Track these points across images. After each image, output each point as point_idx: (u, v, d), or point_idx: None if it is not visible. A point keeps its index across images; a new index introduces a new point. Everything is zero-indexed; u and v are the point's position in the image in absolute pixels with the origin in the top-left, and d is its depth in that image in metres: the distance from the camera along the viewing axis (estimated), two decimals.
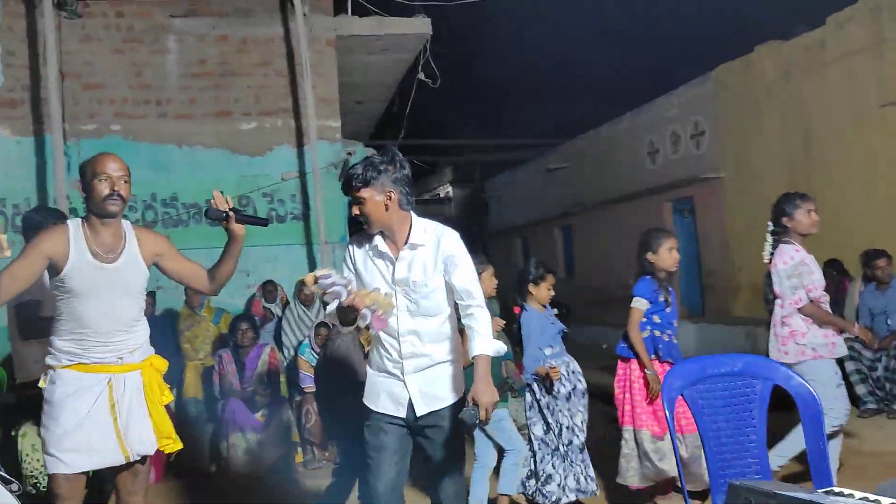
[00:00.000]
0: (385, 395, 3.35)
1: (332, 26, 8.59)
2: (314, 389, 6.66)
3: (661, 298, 4.83)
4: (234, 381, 6.56)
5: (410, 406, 3.30)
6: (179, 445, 3.59)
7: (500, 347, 3.37)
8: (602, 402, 7.84)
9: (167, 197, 8.06)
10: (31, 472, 4.53)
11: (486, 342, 3.24)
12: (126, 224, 3.51)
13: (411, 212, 3.34)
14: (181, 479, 6.22)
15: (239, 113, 8.33)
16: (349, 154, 8.53)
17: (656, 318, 4.82)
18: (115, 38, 8.10)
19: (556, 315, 5.41)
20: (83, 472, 3.39)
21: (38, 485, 4.51)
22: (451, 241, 3.32)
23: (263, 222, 3.65)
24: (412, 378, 3.30)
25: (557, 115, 20.67)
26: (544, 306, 5.11)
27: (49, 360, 3.39)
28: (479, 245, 23.89)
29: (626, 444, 4.80)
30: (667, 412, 2.67)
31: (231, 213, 3.39)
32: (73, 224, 3.41)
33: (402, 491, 3.39)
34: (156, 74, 8.17)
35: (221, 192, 3.46)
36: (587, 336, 15.28)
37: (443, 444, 3.29)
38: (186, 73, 8.24)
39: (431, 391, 3.31)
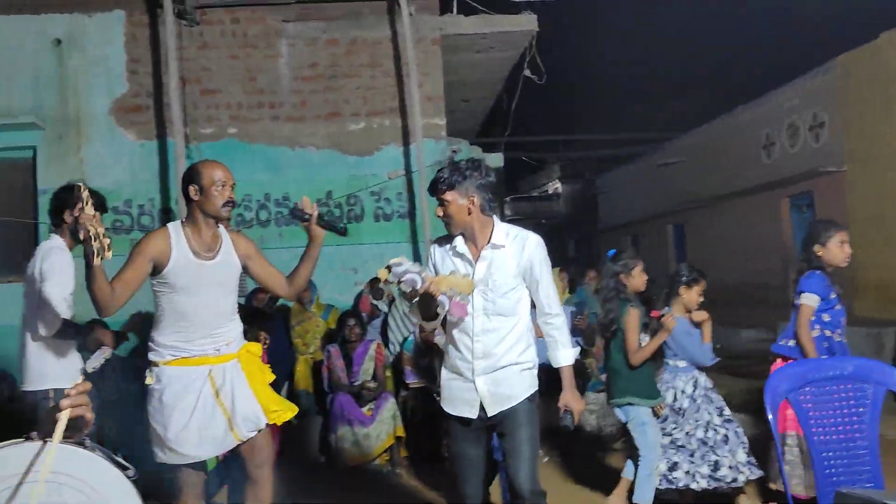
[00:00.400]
0: (459, 399, 3.48)
1: (437, 25, 8.67)
2: (419, 385, 6.79)
3: (833, 295, 4.52)
4: (341, 376, 6.72)
5: (482, 406, 3.42)
6: (290, 414, 3.79)
7: (577, 351, 3.52)
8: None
9: (280, 197, 8.31)
10: None
11: (568, 352, 3.46)
12: (220, 228, 3.75)
13: (494, 217, 3.48)
14: (291, 469, 6.42)
15: (348, 114, 8.51)
16: (454, 152, 8.59)
17: (826, 317, 4.51)
18: (230, 44, 8.43)
19: (663, 315, 5.23)
20: (200, 463, 3.63)
21: None
22: (534, 246, 3.43)
23: (342, 231, 3.79)
24: (481, 379, 3.41)
25: (670, 109, 20.21)
26: (689, 311, 4.97)
27: (152, 357, 3.59)
28: (588, 243, 23.63)
29: (789, 450, 4.46)
30: (769, 416, 2.59)
31: (312, 216, 3.59)
32: (174, 227, 3.64)
33: (486, 488, 3.61)
34: (269, 78, 8.44)
35: (318, 197, 3.61)
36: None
37: (516, 436, 3.37)
38: (298, 77, 8.48)
39: (500, 391, 3.40)
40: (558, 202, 25.80)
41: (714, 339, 14.97)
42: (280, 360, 6.54)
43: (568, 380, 3.45)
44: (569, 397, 3.42)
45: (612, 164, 21.41)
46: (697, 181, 15.93)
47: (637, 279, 4.90)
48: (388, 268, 3.22)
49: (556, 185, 26.17)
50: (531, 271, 3.40)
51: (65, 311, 4.20)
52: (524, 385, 3.41)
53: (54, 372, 4.27)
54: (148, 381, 3.59)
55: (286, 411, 3.80)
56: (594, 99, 20.47)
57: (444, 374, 3.54)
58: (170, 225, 3.69)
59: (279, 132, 8.39)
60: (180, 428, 3.51)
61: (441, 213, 3.40)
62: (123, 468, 1.63)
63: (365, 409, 6.54)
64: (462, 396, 3.45)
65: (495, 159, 9.24)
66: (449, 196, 3.34)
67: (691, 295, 4.88)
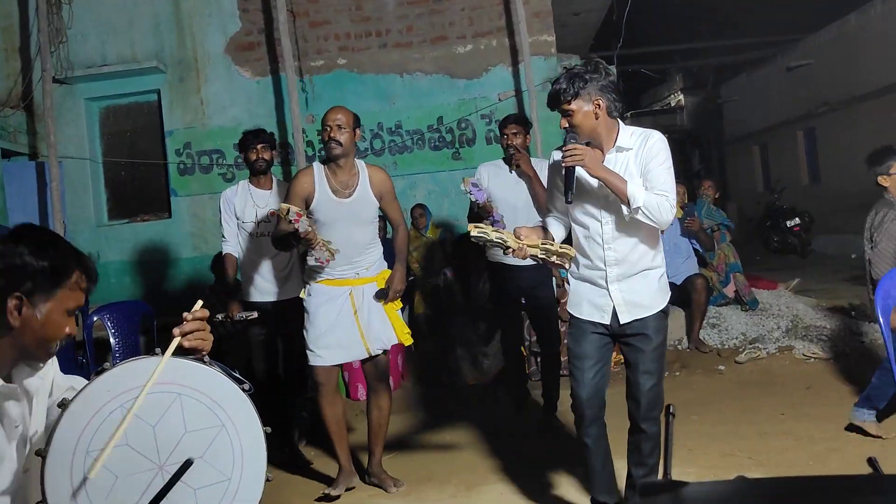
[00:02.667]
0: (588, 303, 3.40)
1: None
2: None
3: None
4: (460, 298, 6.85)
5: (614, 314, 3.34)
6: (410, 340, 4.49)
7: (646, 198, 3.17)
8: (855, 317, 7.36)
9: (392, 125, 8.40)
10: None
11: (640, 191, 3.16)
12: (360, 164, 4.31)
13: (619, 120, 3.32)
14: (415, 388, 6.66)
15: (454, 37, 8.44)
16: (565, 68, 8.38)
17: None
18: None
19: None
20: (336, 365, 4.36)
21: None
22: (656, 141, 3.26)
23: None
24: (616, 286, 3.33)
25: (798, 8, 18.93)
26: None
27: (306, 278, 4.40)
28: (715, 154, 22.77)
29: None
30: (881, 320, 2.48)
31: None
32: (317, 167, 4.27)
33: (604, 396, 3.45)
34: (374, 6, 8.45)
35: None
36: (835, 246, 14.23)
37: (645, 351, 3.32)
38: (402, 2, 8.45)
39: (635, 299, 3.33)
40: (682, 115, 24.89)
41: (851, 249, 14.46)
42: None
43: (609, 175, 3.18)
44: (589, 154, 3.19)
45: (736, 71, 20.37)
46: (829, 84, 14.96)
47: None
48: (474, 238, 3.24)
49: (678, 98, 25.22)
50: (648, 162, 3.23)
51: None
52: (659, 294, 3.35)
53: None
54: (301, 294, 4.42)
55: (409, 337, 4.44)
56: (713, 1, 19.38)
57: (574, 280, 3.48)
58: (315, 164, 4.31)
59: (387, 60, 8.43)
60: (319, 333, 4.24)
61: (566, 125, 3.23)
62: (240, 382, 1.76)
63: (482, 330, 6.66)
64: (593, 301, 3.38)
65: None
66: (574, 105, 3.18)
67: None
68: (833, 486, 0.80)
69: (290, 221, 3.92)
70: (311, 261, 4.17)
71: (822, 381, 5.94)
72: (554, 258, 3.24)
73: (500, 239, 3.18)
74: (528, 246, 3.19)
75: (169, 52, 8.43)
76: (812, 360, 6.47)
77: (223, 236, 5.06)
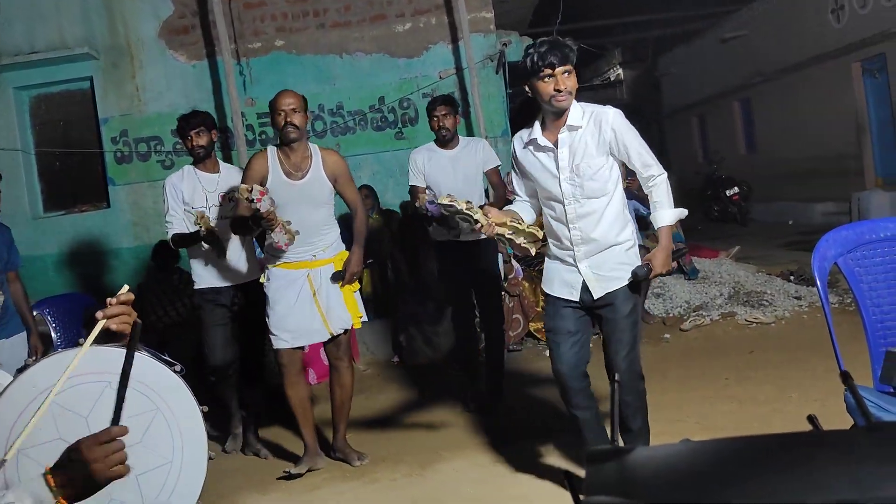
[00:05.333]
0: (559, 281, 3.49)
1: None
2: None
3: None
4: (407, 279, 6.86)
5: (585, 288, 3.41)
6: (360, 324, 4.58)
7: (682, 212, 3.45)
8: (794, 282, 7.56)
9: (333, 107, 8.32)
10: None
11: (668, 212, 3.35)
12: (313, 146, 4.39)
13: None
14: (367, 369, 6.66)
15: (393, 15, 8.37)
16: (504, 45, 8.41)
17: None
18: None
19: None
20: (299, 347, 4.46)
21: None
22: (612, 118, 3.32)
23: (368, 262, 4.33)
24: (584, 263, 3.41)
25: None
26: None
27: (264, 262, 4.48)
28: (654, 127, 23.07)
29: None
30: (818, 282, 2.56)
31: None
32: (271, 150, 4.36)
33: (585, 368, 3.52)
34: None
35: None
36: (773, 214, 14.58)
37: (619, 321, 3.38)
38: None
39: (604, 274, 3.40)
40: (621, 88, 25.14)
41: (787, 216, 14.83)
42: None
43: (665, 239, 3.36)
44: (658, 257, 3.32)
45: (673, 43, 20.62)
46: (762, 54, 15.24)
47: None
48: (442, 206, 3.34)
49: (617, 71, 25.44)
50: (616, 142, 3.31)
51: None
52: (628, 265, 3.38)
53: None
54: (261, 279, 4.45)
55: (359, 320, 4.51)
56: None
57: (547, 259, 3.59)
58: (268, 148, 4.40)
59: (326, 40, 8.33)
60: (280, 317, 4.31)
61: (563, 87, 3.21)
62: (170, 364, 1.73)
63: (431, 309, 6.68)
64: (563, 278, 3.46)
65: None
66: (570, 68, 3.23)
67: None
68: (775, 443, 0.83)
69: (252, 201, 3.91)
70: (271, 239, 4.12)
71: (763, 346, 6.11)
72: (522, 239, 3.28)
73: (470, 211, 3.20)
74: (497, 224, 3.23)
75: (100, 38, 8.20)
76: (754, 325, 6.65)
77: (168, 222, 4.85)
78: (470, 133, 8.24)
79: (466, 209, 3.21)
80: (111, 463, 1.51)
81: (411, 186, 5.25)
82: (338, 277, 4.33)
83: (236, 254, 4.89)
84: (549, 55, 3.18)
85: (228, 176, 4.91)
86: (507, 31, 8.86)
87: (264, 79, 8.07)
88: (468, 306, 5.45)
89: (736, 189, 14.62)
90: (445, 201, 3.28)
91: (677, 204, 3.37)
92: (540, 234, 3.36)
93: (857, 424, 2.31)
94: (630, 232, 3.47)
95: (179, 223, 4.82)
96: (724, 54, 16.95)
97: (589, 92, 25.49)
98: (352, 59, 8.34)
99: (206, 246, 4.64)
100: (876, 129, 12.61)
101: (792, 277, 7.73)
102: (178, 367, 1.73)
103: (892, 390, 2.29)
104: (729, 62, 16.81)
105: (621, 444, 2.66)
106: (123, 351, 1.66)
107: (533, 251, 3.43)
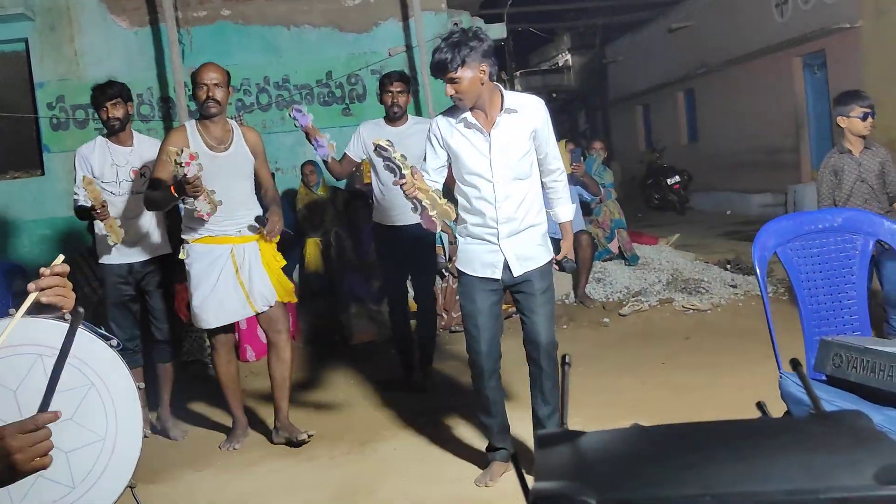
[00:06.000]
0: (479, 262, 3.58)
1: None
2: None
3: None
4: (351, 256, 6.81)
5: (506, 268, 3.54)
6: (295, 299, 4.56)
7: (572, 208, 3.83)
8: (730, 270, 7.72)
9: (279, 80, 8.17)
10: None
11: (569, 208, 3.74)
12: (232, 122, 4.39)
13: (497, 84, 3.53)
14: (306, 347, 6.61)
15: None
16: (455, 25, 8.36)
17: None
18: None
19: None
20: (228, 326, 4.41)
21: None
22: (543, 109, 3.55)
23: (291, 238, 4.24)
24: (507, 242, 3.53)
25: None
26: None
27: (184, 235, 4.29)
28: (600, 114, 23.27)
29: None
30: (757, 271, 2.61)
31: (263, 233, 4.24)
32: (190, 124, 4.29)
33: (500, 347, 3.70)
34: None
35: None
36: (712, 203, 14.86)
37: (538, 297, 3.57)
38: None
39: (524, 253, 3.56)
40: (569, 74, 25.25)
41: (726, 205, 15.09)
42: (288, 243, 6.60)
43: (568, 233, 3.76)
44: (570, 247, 3.75)
45: (621, 31, 20.79)
46: (707, 45, 15.46)
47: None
48: (376, 147, 3.30)
49: (566, 57, 25.54)
50: (541, 131, 3.52)
51: None
52: (544, 248, 3.62)
53: None
54: (181, 255, 4.31)
55: (293, 296, 4.49)
56: None
57: (462, 240, 3.65)
58: (187, 123, 4.36)
59: (274, 11, 8.16)
60: (204, 297, 4.22)
61: (453, 92, 3.37)
62: (106, 339, 1.67)
63: (374, 288, 6.65)
64: (483, 259, 3.57)
65: (498, 30, 8.99)
66: (460, 73, 3.31)
67: None
68: (726, 430, 0.83)
69: (181, 165, 3.81)
70: (193, 206, 4.01)
71: (699, 332, 6.24)
72: (435, 213, 3.30)
73: (400, 163, 3.21)
74: (419, 186, 3.26)
75: None
76: (691, 311, 6.78)
77: (76, 194, 4.68)
78: (418, 112, 8.18)
79: (398, 160, 3.21)
80: (33, 455, 1.40)
81: (344, 154, 5.18)
82: (260, 222, 4.22)
83: (143, 228, 4.73)
84: (434, 67, 3.39)
85: (141, 149, 4.76)
86: (458, 11, 8.82)
87: (209, 48, 7.88)
88: (403, 292, 5.44)
89: (677, 178, 14.86)
90: (383, 143, 3.27)
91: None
92: (453, 214, 3.40)
93: (791, 412, 2.36)
94: (544, 217, 3.65)
95: (86, 196, 4.59)
96: (671, 44, 17.15)
97: (537, 77, 25.59)
98: (299, 32, 8.19)
99: (98, 227, 4.53)
100: (814, 123, 12.91)
101: (728, 266, 7.90)
102: (114, 342, 1.67)
103: (824, 378, 2.35)
104: (675, 52, 17.02)
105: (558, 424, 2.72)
106: (57, 323, 1.60)
107: (438, 228, 3.47)
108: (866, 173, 4.99)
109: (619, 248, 8.04)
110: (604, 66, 22.21)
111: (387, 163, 3.25)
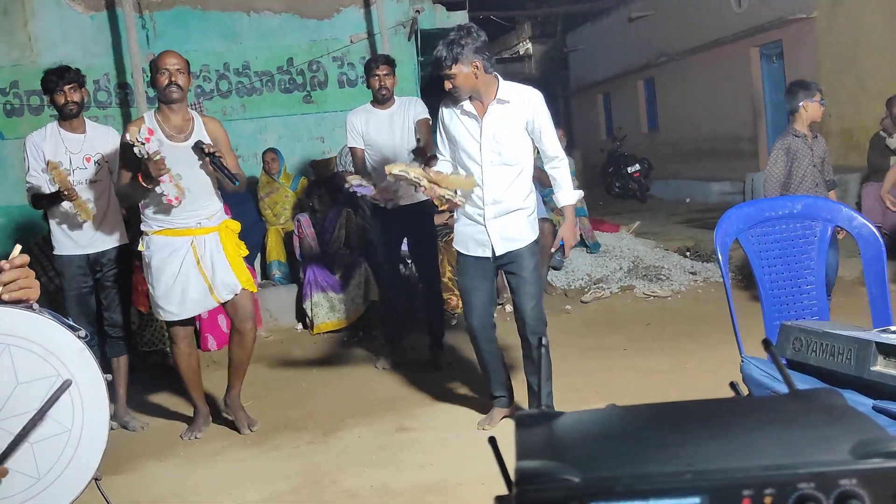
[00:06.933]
0: (472, 241, 3.94)
1: None
2: None
3: None
4: (313, 245, 6.77)
5: (493, 247, 3.90)
6: (255, 288, 4.48)
7: (580, 193, 4.07)
8: (690, 258, 7.82)
9: (239, 66, 8.07)
10: None
11: (570, 193, 3.91)
12: (193, 112, 4.30)
13: (496, 74, 3.84)
14: (269, 335, 6.57)
15: None
16: (417, 12, 8.33)
17: None
18: None
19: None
20: (190, 318, 4.34)
21: None
22: (537, 101, 3.83)
23: (232, 179, 4.06)
24: (493, 223, 3.86)
25: None
26: None
27: (143, 227, 4.24)
28: (561, 103, 23.37)
29: None
30: (719, 257, 2.65)
31: (208, 157, 4.03)
32: (148, 115, 4.22)
33: (492, 311, 4.14)
34: None
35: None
36: (672, 191, 15.03)
37: (525, 276, 3.90)
38: None
39: (508, 234, 3.87)
40: (530, 63, 25.30)
41: (686, 193, 15.21)
42: (250, 231, 6.55)
43: (570, 217, 3.97)
44: (567, 230, 3.93)
45: (582, 20, 20.87)
46: (667, 35, 15.60)
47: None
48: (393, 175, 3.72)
49: (527, 46, 25.58)
50: (535, 122, 3.80)
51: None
52: (529, 229, 3.91)
53: None
54: (140, 247, 4.26)
55: (253, 286, 4.43)
56: None
57: (458, 221, 4.00)
58: (145, 114, 4.31)
59: None
60: (166, 289, 4.17)
61: (451, 86, 3.73)
62: (74, 329, 1.64)
63: (337, 276, 6.63)
64: (475, 238, 3.91)
65: (460, 18, 8.98)
66: (455, 70, 3.68)
67: None
68: (702, 408, 0.85)
69: (142, 143, 3.77)
70: (161, 190, 3.94)
71: (660, 318, 6.32)
72: (459, 194, 3.72)
73: (417, 178, 3.62)
74: (437, 187, 3.66)
75: None
76: (651, 298, 6.86)
77: (28, 182, 4.60)
78: None
79: (414, 178, 3.61)
80: None
81: (350, 149, 5.25)
82: (200, 148, 4.06)
83: (99, 217, 4.61)
84: (437, 63, 3.75)
85: (95, 136, 4.65)
86: None
87: (167, 34, 7.76)
88: (395, 267, 5.55)
89: (637, 166, 14.98)
90: (397, 171, 3.66)
91: (580, 178, 3.69)
92: (474, 181, 3.77)
93: (751, 394, 2.41)
94: (533, 200, 3.96)
95: (39, 184, 4.54)
96: (631, 33, 17.27)
97: (497, 65, 25.57)
98: (259, 18, 8.10)
99: (66, 207, 4.42)
100: (771, 112, 13.11)
101: (688, 253, 8.00)
102: (82, 333, 1.64)
103: (785, 361, 2.39)
104: (635, 41, 17.14)
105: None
106: (24, 313, 1.58)
107: (466, 202, 3.82)
108: (816, 159, 5.15)
109: (581, 235, 8.10)
110: (565, 54, 22.29)
111: (408, 182, 3.68)
